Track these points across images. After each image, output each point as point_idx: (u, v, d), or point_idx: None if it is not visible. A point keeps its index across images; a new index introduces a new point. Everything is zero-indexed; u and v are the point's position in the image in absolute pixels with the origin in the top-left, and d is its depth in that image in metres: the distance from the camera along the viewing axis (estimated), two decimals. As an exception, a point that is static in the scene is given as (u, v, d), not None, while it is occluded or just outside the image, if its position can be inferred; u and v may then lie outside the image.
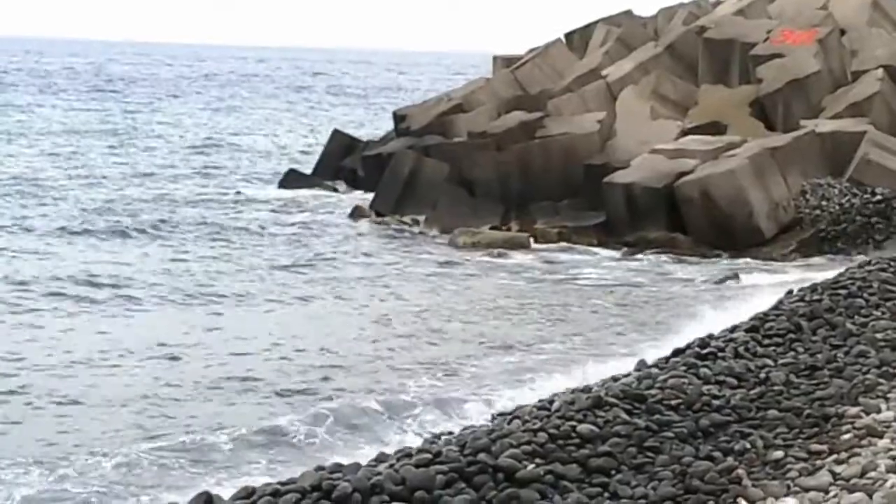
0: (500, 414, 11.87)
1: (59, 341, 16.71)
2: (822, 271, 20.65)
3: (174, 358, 15.97)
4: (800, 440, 9.96)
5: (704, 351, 12.44)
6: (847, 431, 9.87)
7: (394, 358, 16.38)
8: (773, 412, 10.57)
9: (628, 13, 35.36)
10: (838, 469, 9.12)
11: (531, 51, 35.01)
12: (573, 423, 10.15)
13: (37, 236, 25.09)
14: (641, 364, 12.77)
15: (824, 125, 27.18)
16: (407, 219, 28.21)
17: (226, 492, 9.77)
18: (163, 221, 27.19)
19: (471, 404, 14.08)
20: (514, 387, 14.82)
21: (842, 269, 16.23)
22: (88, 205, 29.29)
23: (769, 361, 12.00)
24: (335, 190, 32.80)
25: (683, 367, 11.81)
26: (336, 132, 36.85)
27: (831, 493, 8.80)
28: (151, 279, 20.91)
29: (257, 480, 10.31)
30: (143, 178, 35.39)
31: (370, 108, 72.03)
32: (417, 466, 9.31)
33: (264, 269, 22.51)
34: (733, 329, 13.47)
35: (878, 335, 12.54)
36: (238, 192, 32.69)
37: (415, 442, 11.49)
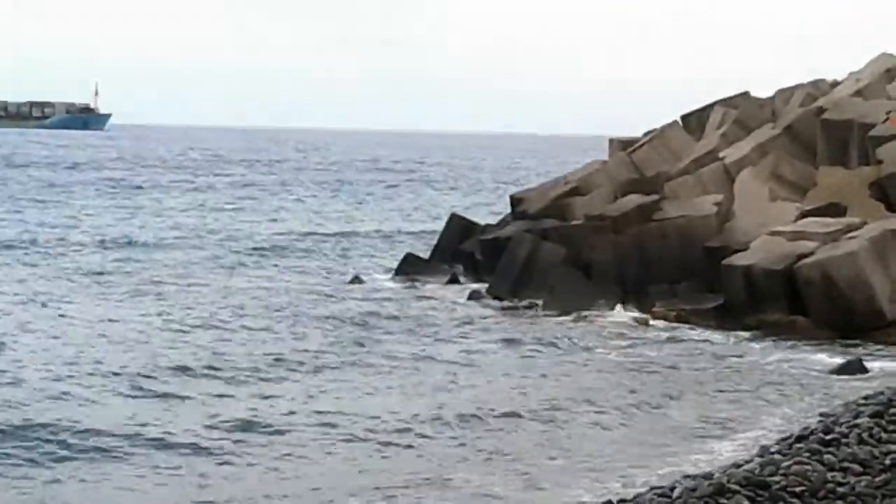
0: (621, 501, 11.83)
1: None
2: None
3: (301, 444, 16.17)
4: (928, 529, 9.82)
5: (828, 437, 12.33)
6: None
7: (515, 442, 16.41)
8: (899, 500, 10.44)
9: (745, 94, 35.30)
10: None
11: (648, 133, 35.06)
12: (695, 510, 10.11)
13: (163, 324, 25.56)
14: (763, 450, 12.68)
15: (947, 206, 26.82)
16: (524, 302, 28.32)
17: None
18: (278, 310, 27.37)
19: (582, 489, 14.04)
20: (631, 470, 14.77)
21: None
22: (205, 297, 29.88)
23: (894, 447, 11.85)
24: (453, 274, 32.92)
25: (807, 454, 11.71)
26: (453, 216, 37.09)
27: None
28: (266, 371, 20.94)
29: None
30: (259, 259, 35.97)
31: (487, 192, 72.46)
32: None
33: (382, 355, 22.60)
34: (857, 415, 13.34)
35: None
36: (355, 278, 32.93)
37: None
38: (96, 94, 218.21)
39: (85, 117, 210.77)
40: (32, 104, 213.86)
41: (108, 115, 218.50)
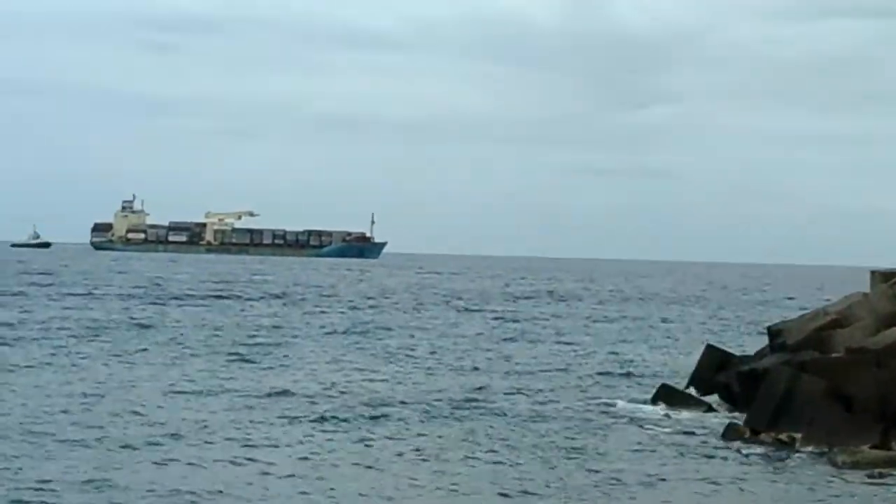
0: None
1: None
2: None
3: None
4: None
5: None
6: None
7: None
8: None
9: None
10: None
11: (911, 264, 34.20)
12: None
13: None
14: None
15: None
16: (783, 436, 27.73)
17: None
18: (542, 435, 27.70)
19: None
20: None
21: None
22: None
23: None
24: (709, 405, 32.53)
25: None
26: (709, 347, 36.78)
27: None
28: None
29: None
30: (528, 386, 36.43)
31: (742, 323, 71.67)
32: None
33: (637, 484, 22.38)
34: None
35: None
36: (610, 406, 32.89)
37: None
38: (373, 223, 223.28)
39: (360, 246, 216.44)
40: (310, 233, 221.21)
41: (384, 244, 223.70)
